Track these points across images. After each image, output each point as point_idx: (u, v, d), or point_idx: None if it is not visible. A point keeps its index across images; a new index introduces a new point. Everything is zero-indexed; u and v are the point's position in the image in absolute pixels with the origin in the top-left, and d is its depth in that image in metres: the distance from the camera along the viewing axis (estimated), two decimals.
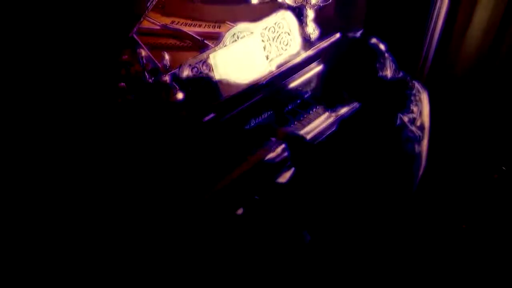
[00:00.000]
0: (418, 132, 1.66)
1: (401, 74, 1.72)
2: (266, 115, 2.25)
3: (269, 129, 2.19)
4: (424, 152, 1.74)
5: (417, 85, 1.71)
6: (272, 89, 2.21)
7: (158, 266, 1.96)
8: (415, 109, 1.66)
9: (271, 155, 2.16)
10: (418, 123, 1.67)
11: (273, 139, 2.15)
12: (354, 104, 2.21)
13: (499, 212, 2.59)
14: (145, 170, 1.85)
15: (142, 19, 2.02)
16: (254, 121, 2.20)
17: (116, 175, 1.84)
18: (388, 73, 1.65)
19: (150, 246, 1.90)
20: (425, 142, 1.73)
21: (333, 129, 2.36)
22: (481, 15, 2.74)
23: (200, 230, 1.96)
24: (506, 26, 2.71)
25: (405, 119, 1.62)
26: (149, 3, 1.96)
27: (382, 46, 1.68)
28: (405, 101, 1.65)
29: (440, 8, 2.83)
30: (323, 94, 2.21)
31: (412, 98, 1.66)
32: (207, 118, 1.95)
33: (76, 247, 1.85)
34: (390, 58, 1.68)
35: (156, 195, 1.87)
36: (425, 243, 2.45)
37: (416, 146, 1.67)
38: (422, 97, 1.70)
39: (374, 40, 1.68)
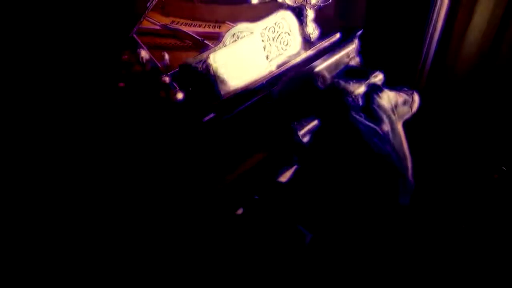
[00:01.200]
0: (373, 121, 1.73)
1: (331, 80, 1.94)
2: (266, 114, 2.25)
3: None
4: (403, 148, 1.78)
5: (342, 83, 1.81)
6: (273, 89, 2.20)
7: (158, 265, 1.96)
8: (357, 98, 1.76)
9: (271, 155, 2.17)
10: (372, 110, 1.74)
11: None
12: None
13: (499, 212, 2.59)
14: (144, 171, 1.85)
15: (142, 19, 2.02)
16: (254, 120, 2.20)
17: (114, 175, 1.84)
18: (320, 83, 1.91)
19: (149, 247, 1.90)
20: (398, 136, 1.78)
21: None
22: (481, 15, 2.74)
23: (199, 230, 1.96)
24: (506, 26, 2.71)
25: (355, 115, 1.70)
26: (149, 3, 1.96)
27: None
28: (343, 102, 1.74)
29: (440, 8, 2.83)
30: None
31: (349, 98, 1.75)
32: (207, 118, 1.95)
33: (85, 239, 1.86)
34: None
35: (154, 196, 1.87)
36: (425, 243, 2.45)
37: (385, 143, 1.71)
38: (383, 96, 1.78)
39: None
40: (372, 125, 1.73)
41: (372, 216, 1.74)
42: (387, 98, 1.81)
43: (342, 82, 1.83)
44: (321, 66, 2.28)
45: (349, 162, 1.70)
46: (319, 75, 1.91)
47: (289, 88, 1.90)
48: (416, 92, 1.92)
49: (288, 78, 1.99)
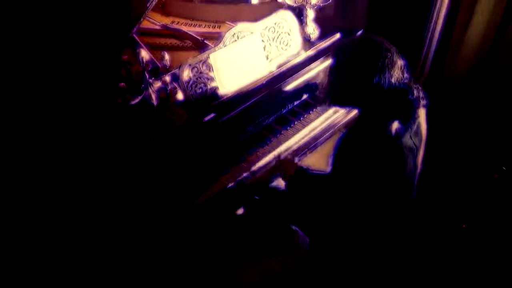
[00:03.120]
0: (416, 143, 1.55)
1: (406, 75, 1.53)
2: (266, 115, 2.25)
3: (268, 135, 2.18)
4: (419, 161, 1.66)
5: (420, 92, 1.58)
6: (273, 89, 2.21)
7: (156, 265, 1.95)
8: (416, 117, 1.55)
9: (270, 156, 2.17)
10: (418, 133, 1.56)
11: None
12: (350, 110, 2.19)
13: (499, 212, 2.59)
14: (144, 170, 1.85)
15: (142, 19, 2.02)
16: (254, 121, 2.20)
17: (116, 173, 1.84)
18: (395, 73, 1.47)
19: (147, 246, 1.89)
20: (420, 152, 1.65)
21: (332, 131, 2.37)
22: (481, 15, 2.74)
23: (196, 232, 1.95)
24: (506, 25, 2.71)
25: (404, 129, 1.49)
26: (149, 3, 1.96)
27: (387, 44, 1.52)
28: (408, 109, 1.51)
29: (440, 8, 2.83)
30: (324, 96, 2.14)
31: (416, 105, 1.53)
32: (207, 118, 1.95)
33: (76, 246, 1.85)
34: (399, 55, 1.50)
35: (154, 196, 1.87)
36: (425, 243, 2.45)
37: (413, 158, 1.57)
38: (421, 108, 1.59)
39: (378, 37, 1.51)
40: (416, 143, 1.57)
41: (373, 217, 1.71)
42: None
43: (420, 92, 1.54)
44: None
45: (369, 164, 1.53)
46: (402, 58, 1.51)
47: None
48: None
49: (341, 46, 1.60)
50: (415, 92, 1.53)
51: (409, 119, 1.51)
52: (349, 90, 1.52)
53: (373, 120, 1.50)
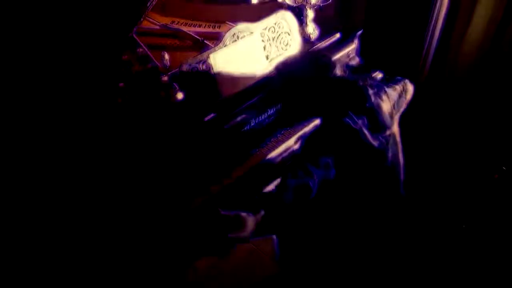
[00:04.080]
0: (385, 138, 1.58)
1: (348, 71, 1.68)
2: (266, 114, 2.25)
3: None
4: (400, 156, 1.67)
5: (369, 80, 1.64)
6: (273, 89, 2.21)
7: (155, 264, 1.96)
8: (375, 105, 1.60)
9: (272, 154, 2.17)
10: (383, 127, 1.59)
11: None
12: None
13: (499, 212, 2.59)
14: (145, 170, 1.85)
15: (142, 19, 2.03)
16: (254, 120, 2.20)
17: (116, 174, 1.84)
18: (338, 71, 1.59)
19: (145, 245, 1.90)
20: (399, 147, 1.66)
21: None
22: (481, 15, 2.74)
23: (192, 234, 1.95)
24: (507, 24, 2.71)
25: (360, 122, 1.55)
26: (149, 3, 1.96)
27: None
28: (361, 95, 1.59)
29: (440, 8, 2.83)
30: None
31: (366, 92, 1.59)
32: (207, 118, 1.95)
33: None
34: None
35: (154, 196, 1.87)
36: (425, 243, 2.45)
37: (390, 152, 1.59)
38: (384, 97, 1.63)
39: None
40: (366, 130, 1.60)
41: (369, 217, 1.71)
42: (388, 100, 1.68)
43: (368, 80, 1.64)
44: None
45: (344, 166, 1.58)
46: (338, 62, 1.67)
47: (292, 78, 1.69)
48: (408, 80, 1.76)
49: (293, 65, 1.79)
50: (360, 81, 1.65)
51: (364, 105, 1.56)
52: (304, 102, 1.61)
53: (333, 115, 1.56)
